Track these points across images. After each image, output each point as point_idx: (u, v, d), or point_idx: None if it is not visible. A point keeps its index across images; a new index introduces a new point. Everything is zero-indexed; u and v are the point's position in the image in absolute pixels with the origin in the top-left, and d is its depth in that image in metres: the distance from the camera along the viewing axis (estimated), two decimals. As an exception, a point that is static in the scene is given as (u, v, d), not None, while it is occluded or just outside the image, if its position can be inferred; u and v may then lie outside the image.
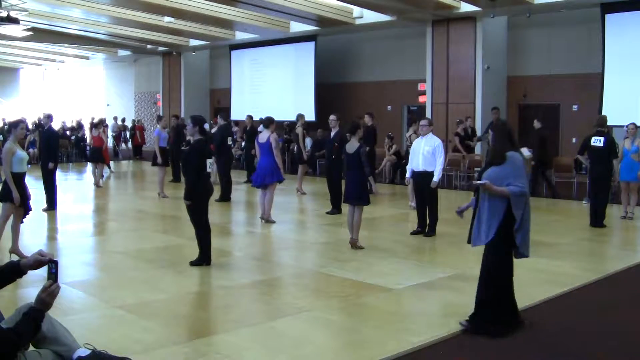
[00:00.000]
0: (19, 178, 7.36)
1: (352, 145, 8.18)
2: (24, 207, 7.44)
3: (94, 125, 16.81)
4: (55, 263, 3.32)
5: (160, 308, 5.69)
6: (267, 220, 10.06)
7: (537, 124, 13.75)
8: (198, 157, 7.01)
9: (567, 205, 12.75)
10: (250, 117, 16.46)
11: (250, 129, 16.03)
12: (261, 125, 10.70)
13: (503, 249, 4.98)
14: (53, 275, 3.28)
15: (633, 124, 10.64)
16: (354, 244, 8.12)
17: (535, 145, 13.27)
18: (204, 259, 7.15)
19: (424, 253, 8.30)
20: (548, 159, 13.76)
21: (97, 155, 15.53)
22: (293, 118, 20.67)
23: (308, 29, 19.49)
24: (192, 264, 7.13)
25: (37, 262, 3.39)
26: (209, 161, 7.08)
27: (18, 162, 7.36)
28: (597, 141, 9.90)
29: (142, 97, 29.06)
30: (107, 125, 20.52)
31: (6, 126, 22.76)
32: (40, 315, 3.31)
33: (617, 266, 7.44)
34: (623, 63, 14.36)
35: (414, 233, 9.15)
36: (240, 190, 14.15)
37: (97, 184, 15.06)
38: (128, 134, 26.27)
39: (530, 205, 5.03)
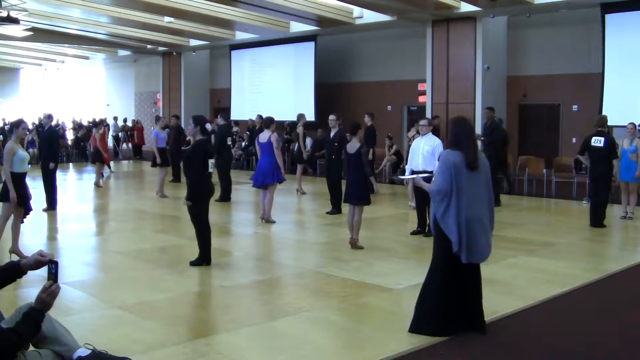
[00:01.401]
0: (20, 178, 7.36)
1: (353, 145, 8.19)
2: (24, 207, 7.45)
3: (94, 125, 16.83)
4: (56, 263, 3.33)
5: (160, 308, 5.69)
6: (267, 220, 10.07)
7: None
8: (200, 157, 7.01)
9: (567, 205, 12.76)
10: (260, 116, 16.51)
11: (259, 128, 16.10)
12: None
13: (439, 246, 4.95)
14: (53, 275, 3.29)
15: (632, 123, 10.65)
16: (354, 244, 8.13)
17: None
18: (204, 259, 7.15)
19: (424, 253, 8.26)
20: (505, 158, 13.85)
21: (97, 155, 15.56)
22: (293, 118, 20.70)
23: (308, 29, 19.48)
24: (192, 264, 7.13)
25: (37, 262, 3.40)
26: (211, 161, 7.08)
27: (19, 162, 7.35)
28: (598, 141, 9.90)
29: (142, 97, 29.05)
30: (107, 125, 20.54)
31: (7, 126, 22.86)
32: (40, 316, 3.31)
33: (617, 266, 7.44)
34: (623, 63, 14.35)
35: (414, 233, 9.16)
36: (240, 190, 14.15)
37: (97, 184, 15.06)
38: (124, 134, 26.28)
39: (472, 207, 4.79)
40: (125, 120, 26.57)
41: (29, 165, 7.76)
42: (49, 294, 3.27)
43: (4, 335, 3.21)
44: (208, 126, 7.37)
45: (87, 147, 22.28)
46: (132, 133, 25.48)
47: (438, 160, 5.05)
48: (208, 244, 7.19)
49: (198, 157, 7.01)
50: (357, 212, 8.12)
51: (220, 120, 13.28)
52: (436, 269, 5.00)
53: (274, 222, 10.06)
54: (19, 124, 7.60)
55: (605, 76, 14.59)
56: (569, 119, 16.40)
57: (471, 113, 16.27)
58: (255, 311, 5.71)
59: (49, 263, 3.33)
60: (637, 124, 10.94)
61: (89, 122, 25.33)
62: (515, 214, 11.63)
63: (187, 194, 7.07)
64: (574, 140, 15.90)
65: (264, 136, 10.17)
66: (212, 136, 12.78)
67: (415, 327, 4.95)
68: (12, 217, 7.51)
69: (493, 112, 13.07)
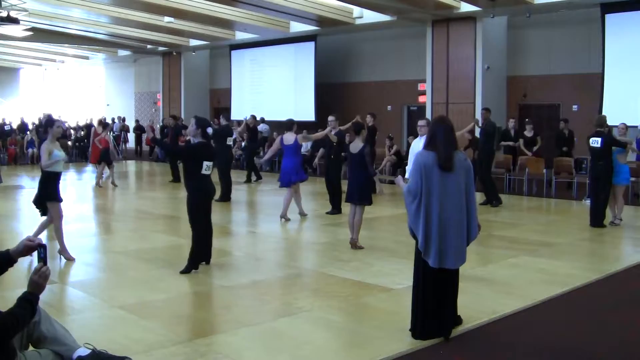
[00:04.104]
0: (55, 177, 7.29)
1: (356, 146, 8.21)
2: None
3: (103, 126, 16.85)
4: (44, 247, 3.43)
5: (160, 308, 5.69)
6: (301, 214, 10.67)
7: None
8: (193, 157, 6.87)
9: (567, 205, 12.75)
10: (254, 116, 16.51)
11: (252, 128, 16.14)
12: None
13: (416, 248, 4.84)
14: (42, 259, 3.38)
15: (623, 124, 10.57)
16: (354, 244, 8.12)
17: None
18: (191, 266, 6.82)
19: (424, 253, 8.28)
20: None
21: (105, 156, 15.60)
22: (293, 118, 20.65)
23: (308, 29, 19.50)
24: (182, 272, 6.80)
25: (27, 247, 3.47)
26: (207, 164, 6.84)
27: (55, 161, 7.24)
28: (595, 142, 9.91)
29: (142, 97, 29.07)
30: (107, 125, 20.51)
31: (35, 125, 22.91)
32: (34, 298, 3.36)
33: (617, 266, 7.44)
34: (623, 63, 14.37)
35: None
36: (240, 190, 14.16)
37: (99, 184, 15.11)
38: (124, 134, 26.31)
39: (444, 209, 4.65)
40: (124, 120, 26.58)
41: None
42: (40, 276, 3.33)
43: (2, 318, 3.23)
44: (209, 130, 7.23)
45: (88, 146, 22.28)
46: (138, 133, 25.52)
47: None
48: (198, 249, 6.88)
49: (192, 158, 6.88)
50: (358, 212, 8.12)
51: (222, 121, 13.36)
52: (416, 270, 4.94)
53: (306, 214, 10.65)
54: (52, 122, 7.43)
55: (605, 76, 14.61)
56: (569, 119, 16.37)
57: (471, 113, 16.30)
58: (255, 311, 5.71)
59: (38, 247, 3.42)
60: (634, 124, 10.90)
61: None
62: (515, 214, 11.63)
63: (187, 195, 6.99)
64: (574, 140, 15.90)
65: (289, 138, 10.43)
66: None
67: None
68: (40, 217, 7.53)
69: (489, 113, 12.83)
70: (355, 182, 8.12)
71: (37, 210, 7.51)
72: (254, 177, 16.25)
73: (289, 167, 10.40)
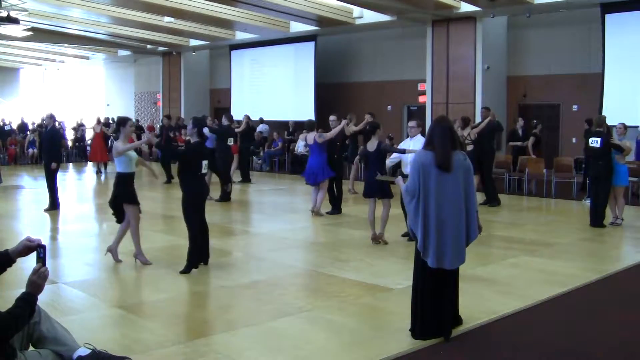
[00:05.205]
0: (129, 178, 7.13)
1: (372, 144, 8.35)
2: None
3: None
4: (44, 247, 3.43)
5: (160, 308, 5.69)
6: (318, 212, 10.71)
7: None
8: (195, 157, 6.90)
9: (567, 205, 12.75)
10: (248, 117, 16.50)
11: (246, 128, 16.14)
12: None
13: (416, 250, 4.83)
14: (41, 259, 3.39)
15: (622, 124, 10.58)
16: (378, 238, 8.27)
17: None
18: (190, 266, 6.83)
19: (424, 253, 8.27)
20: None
21: None
22: (293, 118, 20.72)
23: (308, 29, 19.50)
24: (182, 272, 6.83)
25: (26, 247, 3.47)
26: (205, 162, 6.91)
27: (127, 162, 7.08)
28: (594, 142, 9.92)
29: (142, 97, 29.05)
30: (104, 124, 20.48)
31: (35, 125, 22.81)
32: (33, 298, 3.37)
33: (617, 266, 7.45)
34: (623, 63, 14.36)
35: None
36: (240, 190, 14.15)
37: None
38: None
39: (442, 209, 4.64)
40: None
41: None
42: (39, 276, 3.34)
43: (0, 318, 3.23)
44: (206, 130, 7.28)
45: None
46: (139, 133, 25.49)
47: None
48: (195, 247, 6.90)
49: (192, 157, 6.91)
50: (385, 207, 8.33)
51: (224, 120, 13.41)
52: (415, 270, 4.94)
53: (322, 215, 10.64)
54: (125, 121, 7.19)
55: (605, 76, 14.60)
56: (569, 119, 16.41)
57: (471, 113, 16.27)
58: (255, 311, 5.70)
59: (37, 247, 3.43)
60: (634, 124, 10.89)
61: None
62: (515, 214, 11.64)
63: (182, 195, 6.99)
64: (574, 140, 15.91)
65: (309, 137, 10.71)
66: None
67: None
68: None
69: (489, 112, 12.77)
70: (373, 179, 8.18)
71: (113, 215, 7.34)
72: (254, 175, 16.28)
73: (315, 166, 10.66)
